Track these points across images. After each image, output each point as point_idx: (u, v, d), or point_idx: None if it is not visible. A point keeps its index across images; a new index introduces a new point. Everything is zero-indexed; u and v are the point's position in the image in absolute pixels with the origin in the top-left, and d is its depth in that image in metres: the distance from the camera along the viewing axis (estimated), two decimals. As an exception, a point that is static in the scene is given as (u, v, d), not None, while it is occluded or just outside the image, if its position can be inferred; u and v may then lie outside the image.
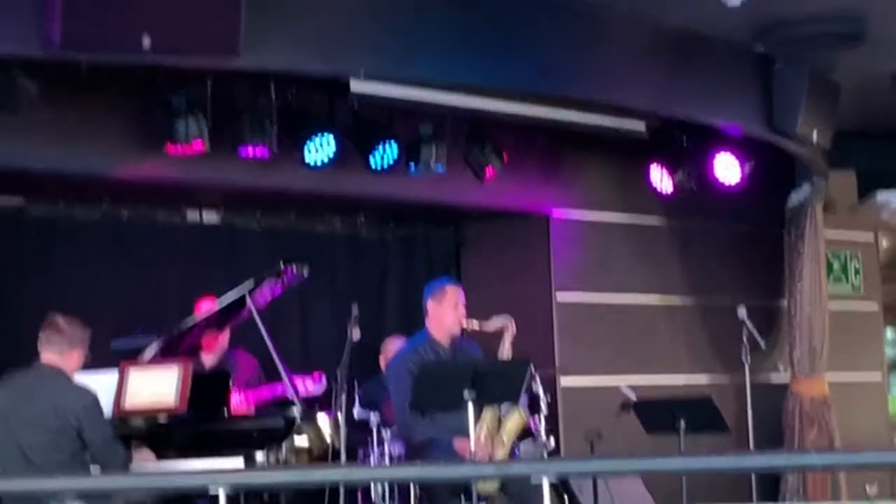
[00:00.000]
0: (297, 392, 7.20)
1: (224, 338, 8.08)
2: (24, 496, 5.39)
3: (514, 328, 7.40)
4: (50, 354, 6.32)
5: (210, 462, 6.62)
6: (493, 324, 7.44)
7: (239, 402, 7.66)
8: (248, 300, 7.25)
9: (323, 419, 7.08)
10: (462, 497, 7.04)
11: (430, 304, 7.43)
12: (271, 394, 7.88)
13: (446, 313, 7.39)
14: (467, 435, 6.82)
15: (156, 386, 6.90)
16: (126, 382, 6.91)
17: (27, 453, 6.14)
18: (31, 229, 8.45)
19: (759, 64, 8.95)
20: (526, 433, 7.54)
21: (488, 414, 7.16)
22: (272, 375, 7.76)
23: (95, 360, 7.42)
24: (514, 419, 7.21)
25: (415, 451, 7.24)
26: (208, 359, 8.03)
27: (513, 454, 7.40)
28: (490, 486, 6.99)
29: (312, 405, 7.32)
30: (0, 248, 8.11)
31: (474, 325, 7.45)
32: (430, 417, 7.20)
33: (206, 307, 7.71)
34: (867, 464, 3.93)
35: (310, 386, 7.85)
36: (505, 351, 7.40)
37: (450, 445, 7.10)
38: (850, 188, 11.03)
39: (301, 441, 6.87)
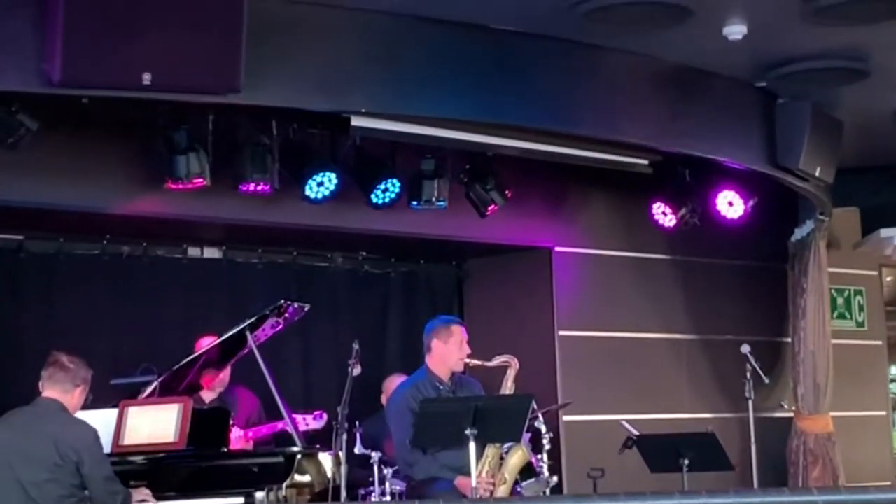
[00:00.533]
0: (296, 428, 7.16)
1: (225, 375, 8.05)
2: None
3: (517, 366, 7.37)
4: (53, 392, 6.30)
5: (210, 502, 6.57)
6: (496, 361, 7.41)
7: (238, 438, 7.61)
8: (249, 337, 7.22)
9: (324, 456, 7.03)
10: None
11: (435, 343, 7.39)
12: (271, 430, 7.84)
13: (452, 352, 7.36)
14: (469, 472, 6.78)
15: (155, 423, 6.87)
16: (125, 420, 6.89)
17: (28, 490, 6.10)
18: (31, 265, 8.44)
19: (762, 99, 8.94)
20: (529, 470, 7.50)
21: (491, 451, 7.12)
22: (273, 413, 7.72)
23: (95, 398, 7.41)
24: (517, 455, 7.17)
25: (416, 489, 7.19)
26: (208, 396, 8.00)
27: (515, 490, 7.35)
28: None
29: (313, 442, 7.27)
30: (-1, 284, 8.09)
31: (476, 363, 7.43)
32: (432, 455, 7.15)
33: (206, 344, 7.68)
34: (871, 502, 3.89)
35: (310, 422, 7.82)
36: (507, 387, 7.36)
37: (451, 483, 7.05)
38: (854, 225, 11.02)
39: (302, 477, 6.82)
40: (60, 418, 6.27)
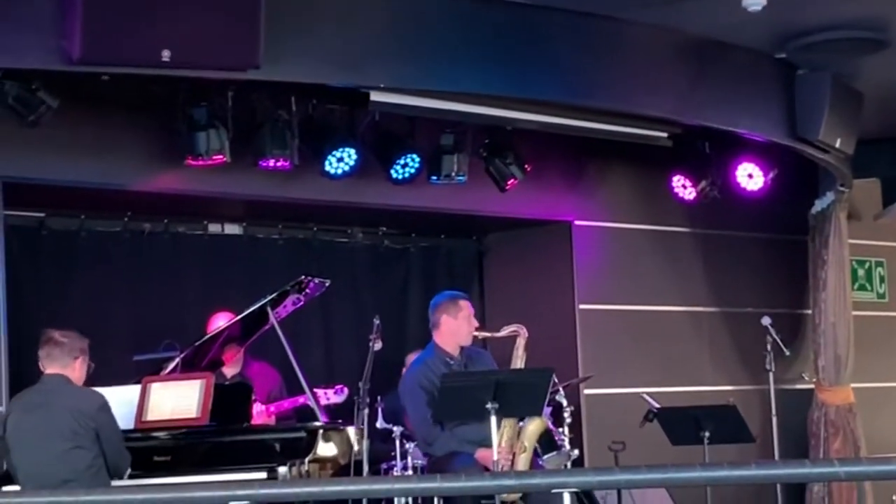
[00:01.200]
0: (318, 403, 7.19)
1: (241, 353, 8.06)
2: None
3: (527, 334, 7.36)
4: (54, 368, 6.38)
5: (233, 477, 6.60)
6: (505, 331, 7.40)
7: (260, 413, 7.65)
8: (270, 313, 7.24)
9: (346, 431, 7.05)
10: (486, 508, 7.02)
11: (444, 318, 7.39)
12: (292, 405, 7.87)
13: (461, 326, 7.37)
14: (488, 445, 6.81)
15: (178, 398, 6.91)
16: (148, 396, 6.93)
17: (58, 462, 6.18)
18: (52, 243, 8.46)
19: (782, 71, 8.90)
20: (550, 444, 7.52)
21: (507, 421, 7.13)
22: (294, 388, 7.75)
23: (118, 374, 7.45)
24: (535, 423, 7.18)
25: (437, 465, 7.22)
26: (230, 371, 8.03)
27: (537, 464, 7.37)
28: (512, 495, 6.96)
29: (335, 417, 7.29)
30: (21, 261, 8.12)
31: (486, 335, 7.43)
32: (450, 430, 7.17)
33: (221, 321, 7.70)
34: (893, 473, 3.88)
35: (332, 396, 7.84)
36: (518, 356, 7.36)
37: (471, 457, 7.07)
38: (875, 196, 10.97)
39: (325, 451, 6.84)
40: (69, 390, 6.37)
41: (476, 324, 7.41)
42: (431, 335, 7.51)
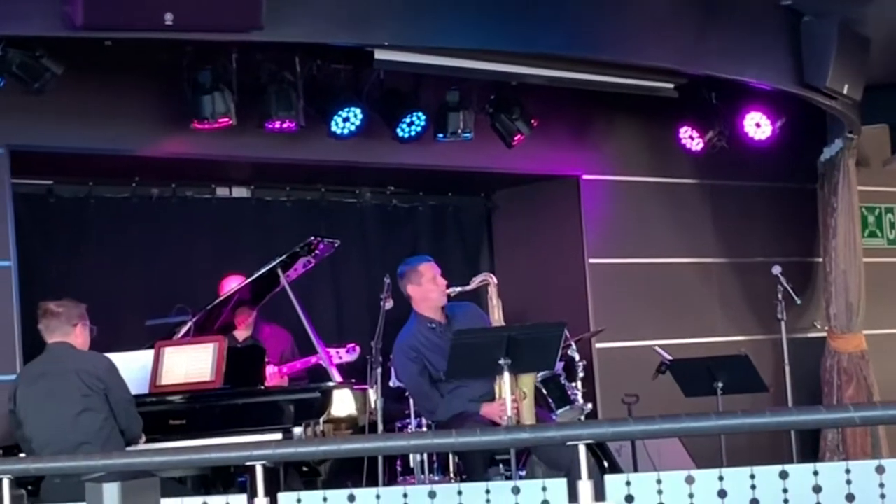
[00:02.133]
0: (331, 363, 7.20)
1: (252, 316, 8.08)
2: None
3: (496, 281, 7.33)
4: (56, 338, 6.41)
5: (248, 439, 6.63)
6: (474, 283, 7.36)
7: (273, 375, 7.67)
8: (281, 275, 7.25)
9: (357, 392, 7.06)
10: (500, 464, 7.04)
11: (410, 288, 7.30)
12: (304, 366, 7.89)
13: (429, 290, 7.28)
14: (488, 400, 6.84)
15: (191, 362, 6.94)
16: (161, 360, 6.95)
17: (69, 426, 6.21)
18: (61, 210, 8.47)
19: (788, 18, 8.85)
20: (563, 398, 7.53)
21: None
22: (306, 350, 7.77)
23: (130, 340, 7.48)
24: None
25: (446, 427, 7.22)
26: (241, 334, 8.04)
27: (549, 419, 7.39)
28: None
29: (348, 377, 7.31)
30: (29, 229, 8.12)
31: (456, 290, 7.36)
32: (449, 394, 7.16)
33: (232, 284, 7.71)
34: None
35: (343, 355, 7.85)
36: (494, 305, 7.32)
37: (477, 415, 7.08)
38: (883, 142, 10.93)
39: (338, 411, 6.86)
40: (74, 354, 6.41)
41: (443, 283, 7.33)
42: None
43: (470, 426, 6.78)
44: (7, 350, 7.30)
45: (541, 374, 7.36)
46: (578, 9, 7.88)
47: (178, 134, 7.86)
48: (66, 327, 6.42)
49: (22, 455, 6.39)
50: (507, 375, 6.75)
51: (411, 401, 7.69)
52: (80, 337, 6.46)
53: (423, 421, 7.65)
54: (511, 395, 6.81)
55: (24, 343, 7.33)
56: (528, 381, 7.09)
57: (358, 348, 7.90)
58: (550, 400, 7.51)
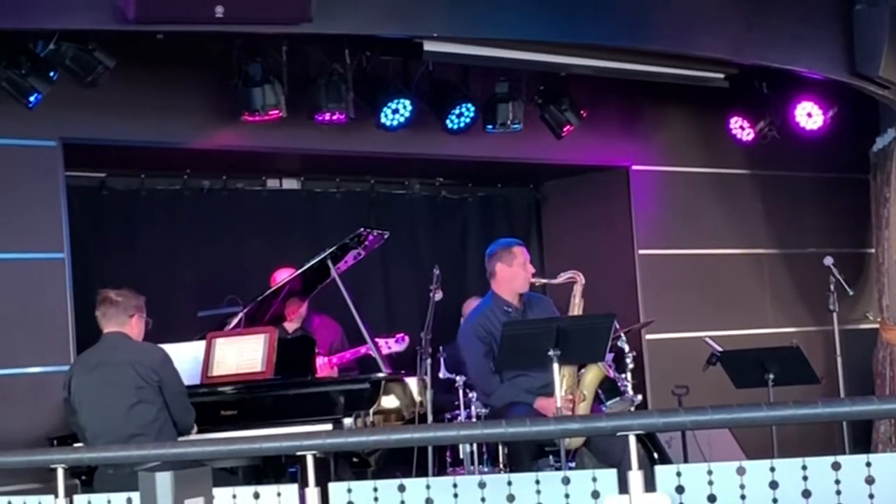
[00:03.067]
0: (380, 353, 7.22)
1: (303, 307, 8.11)
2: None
3: (583, 280, 7.34)
4: (111, 326, 6.46)
5: (299, 429, 6.66)
6: (562, 277, 7.38)
7: (322, 366, 7.70)
8: (331, 266, 7.27)
9: (410, 381, 7.09)
10: (550, 455, 7.04)
11: (499, 267, 7.35)
12: (354, 356, 7.92)
13: (517, 274, 7.33)
14: (546, 394, 6.82)
15: (242, 353, 6.97)
16: (213, 351, 7.00)
17: (123, 418, 6.26)
18: (113, 203, 8.55)
19: (839, 6, 8.77)
20: (613, 389, 7.51)
21: (566, 370, 7.13)
22: (355, 341, 7.80)
23: (182, 330, 7.53)
24: (592, 371, 7.17)
25: (496, 416, 7.23)
26: (291, 326, 8.08)
27: (599, 410, 7.37)
28: (576, 441, 6.98)
29: (398, 368, 7.33)
30: (82, 222, 8.20)
31: (542, 281, 7.40)
32: (509, 381, 7.17)
33: (284, 275, 7.75)
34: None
35: (393, 345, 7.87)
36: (575, 304, 7.33)
37: (530, 407, 7.08)
38: (937, 131, 10.81)
39: (388, 402, 6.88)
40: (130, 345, 6.45)
41: (532, 270, 7.38)
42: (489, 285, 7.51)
43: (522, 416, 6.79)
44: (61, 341, 7.39)
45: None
46: (628, -1, 7.86)
47: (229, 126, 7.91)
48: (122, 317, 6.46)
49: (77, 444, 6.45)
50: (564, 371, 6.75)
51: (460, 392, 7.69)
52: (135, 328, 6.51)
53: (473, 412, 7.65)
54: (570, 394, 6.82)
55: (77, 334, 7.41)
56: (591, 383, 7.09)
57: (407, 338, 7.92)
58: (600, 391, 7.49)
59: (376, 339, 7.45)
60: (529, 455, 7.05)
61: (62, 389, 6.49)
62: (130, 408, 6.27)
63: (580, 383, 7.12)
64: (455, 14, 7.41)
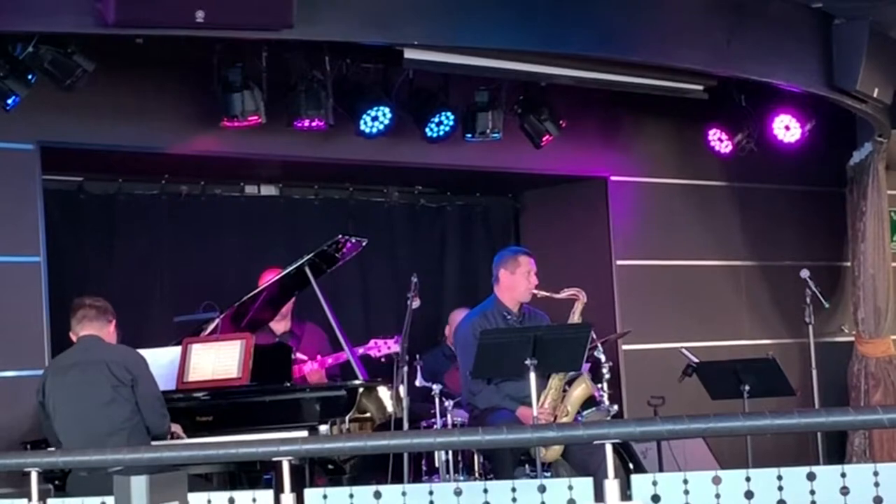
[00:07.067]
0: (358, 361, 7.21)
1: (288, 307, 8.08)
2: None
3: (585, 299, 7.37)
4: (90, 330, 6.46)
5: (275, 436, 6.63)
6: (565, 293, 7.40)
7: (312, 372, 7.70)
8: (309, 273, 7.25)
9: (383, 390, 7.07)
10: (525, 464, 7.04)
11: (503, 273, 7.41)
12: (336, 361, 7.90)
13: (519, 282, 7.38)
14: (531, 403, 6.83)
15: (218, 359, 6.95)
16: (189, 357, 6.98)
17: (96, 416, 6.25)
18: (91, 207, 8.52)
19: (819, 20, 8.81)
20: (589, 400, 7.52)
21: (554, 382, 7.15)
22: (338, 347, 7.78)
23: (158, 336, 7.51)
24: (581, 388, 7.19)
25: (478, 419, 7.23)
26: (279, 327, 8.05)
27: (576, 419, 7.38)
28: (553, 453, 6.98)
29: (375, 376, 7.31)
30: (59, 226, 8.17)
31: (544, 294, 7.42)
32: (496, 385, 7.19)
33: (269, 278, 7.73)
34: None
35: (392, 346, 7.82)
36: (574, 321, 7.35)
37: (512, 413, 7.08)
38: (914, 146, 10.87)
39: (365, 408, 6.87)
40: (105, 346, 6.47)
41: (535, 281, 7.41)
42: (474, 291, 7.53)
43: (501, 422, 6.79)
44: (36, 345, 7.35)
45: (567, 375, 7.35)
46: (608, 9, 7.86)
47: (208, 132, 7.89)
48: (102, 321, 6.48)
49: (49, 449, 6.42)
50: (551, 384, 6.82)
51: (437, 400, 7.68)
52: (111, 335, 6.52)
53: (450, 420, 7.64)
54: (552, 408, 6.84)
55: (52, 339, 7.37)
56: (577, 400, 7.11)
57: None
58: (575, 401, 7.50)
59: (375, 340, 7.45)
60: (514, 463, 7.06)
61: (36, 393, 6.46)
62: (105, 405, 6.26)
63: (565, 398, 7.13)
64: (436, 22, 7.41)
